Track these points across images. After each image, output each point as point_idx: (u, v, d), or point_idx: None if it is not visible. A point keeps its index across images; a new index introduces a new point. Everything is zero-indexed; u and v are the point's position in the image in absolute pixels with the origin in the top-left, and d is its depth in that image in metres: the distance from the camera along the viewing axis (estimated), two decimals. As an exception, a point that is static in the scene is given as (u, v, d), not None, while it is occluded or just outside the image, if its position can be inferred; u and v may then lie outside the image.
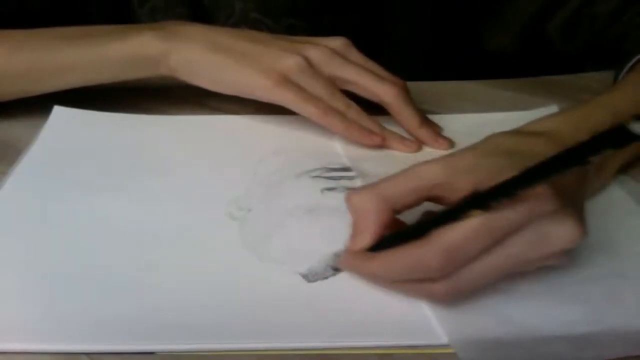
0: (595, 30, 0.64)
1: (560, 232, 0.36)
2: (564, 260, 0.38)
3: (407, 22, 0.67)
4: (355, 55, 0.55)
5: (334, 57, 0.53)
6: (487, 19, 0.67)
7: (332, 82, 0.53)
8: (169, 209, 0.47)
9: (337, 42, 0.55)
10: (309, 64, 0.53)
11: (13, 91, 0.55)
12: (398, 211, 0.39)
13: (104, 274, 0.41)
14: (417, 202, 0.39)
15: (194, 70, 0.53)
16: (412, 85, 0.65)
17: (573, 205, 0.37)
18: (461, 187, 0.37)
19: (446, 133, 0.56)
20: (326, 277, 0.41)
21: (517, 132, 0.42)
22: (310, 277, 0.41)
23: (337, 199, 0.48)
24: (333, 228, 0.45)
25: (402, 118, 0.54)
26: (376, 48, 0.67)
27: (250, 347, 0.37)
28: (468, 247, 0.35)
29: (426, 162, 0.39)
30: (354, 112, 0.53)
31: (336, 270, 0.41)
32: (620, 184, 0.49)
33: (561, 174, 0.34)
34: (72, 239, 0.44)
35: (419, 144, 0.54)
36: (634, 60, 0.56)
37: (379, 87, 0.53)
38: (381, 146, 0.54)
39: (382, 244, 0.39)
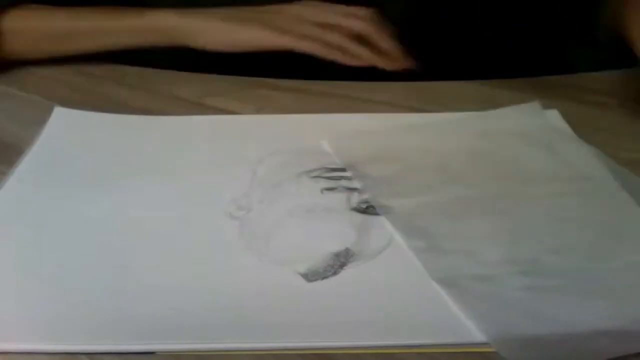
0: None
1: None
2: None
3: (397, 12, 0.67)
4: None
5: (321, 6, 0.62)
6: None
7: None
8: (169, 209, 0.47)
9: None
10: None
11: (51, 50, 0.64)
12: None
13: (103, 274, 0.41)
14: None
15: (199, 32, 0.62)
16: (412, 85, 0.65)
17: None
18: None
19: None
20: (326, 277, 0.41)
21: None
22: (310, 277, 0.41)
23: (337, 199, 0.48)
24: (333, 228, 0.45)
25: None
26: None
27: (250, 347, 0.37)
28: None
29: None
30: (336, 36, 0.59)
31: (336, 270, 0.41)
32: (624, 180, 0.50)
33: None
34: (73, 239, 0.44)
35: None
36: None
37: (349, 22, 0.60)
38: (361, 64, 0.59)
39: None
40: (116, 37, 0.63)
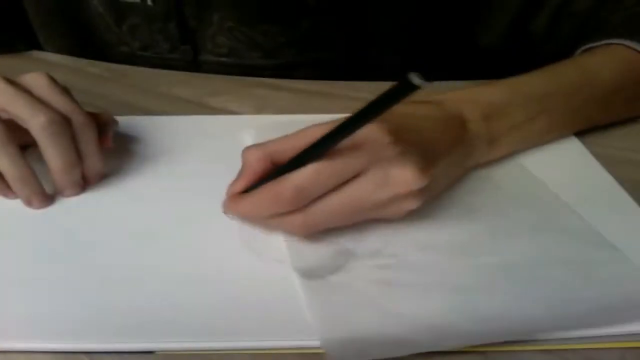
0: (574, 29, 0.64)
1: (400, 175, 0.41)
2: (411, 204, 0.42)
3: (389, 23, 0.67)
4: (42, 87, 0.47)
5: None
6: (474, 17, 0.68)
7: None
8: (168, 208, 0.47)
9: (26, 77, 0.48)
10: None
11: None
12: (279, 164, 0.43)
13: (104, 273, 0.41)
14: None
15: None
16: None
17: (419, 152, 0.42)
18: None
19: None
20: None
21: (411, 102, 0.41)
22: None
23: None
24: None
25: (45, 156, 0.46)
26: (357, 50, 0.67)
27: (250, 346, 0.37)
28: (313, 184, 0.40)
29: (318, 125, 0.41)
30: None
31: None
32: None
33: (358, 128, 0.38)
34: (72, 239, 0.44)
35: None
36: (579, 50, 0.58)
37: (27, 116, 0.45)
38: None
39: (252, 188, 0.43)
40: None
